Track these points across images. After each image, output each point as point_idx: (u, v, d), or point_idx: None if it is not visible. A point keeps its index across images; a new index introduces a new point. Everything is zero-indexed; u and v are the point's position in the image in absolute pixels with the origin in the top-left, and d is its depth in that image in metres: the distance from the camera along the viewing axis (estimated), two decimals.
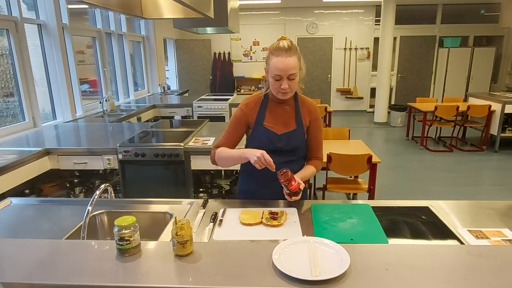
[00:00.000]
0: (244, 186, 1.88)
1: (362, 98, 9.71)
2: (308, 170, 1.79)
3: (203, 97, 5.94)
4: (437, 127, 6.57)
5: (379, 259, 1.12)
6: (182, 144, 2.85)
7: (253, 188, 1.81)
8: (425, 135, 6.10)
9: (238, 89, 9.47)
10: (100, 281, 1.03)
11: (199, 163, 2.86)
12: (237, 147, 1.79)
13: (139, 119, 4.58)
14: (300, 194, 1.58)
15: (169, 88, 7.28)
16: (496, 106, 5.65)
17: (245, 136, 1.82)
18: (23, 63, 3.39)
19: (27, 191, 2.68)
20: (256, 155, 1.51)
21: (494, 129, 5.73)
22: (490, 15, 8.88)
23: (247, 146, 1.79)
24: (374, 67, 9.01)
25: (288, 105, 1.76)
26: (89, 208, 1.35)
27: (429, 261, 1.10)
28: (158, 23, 6.96)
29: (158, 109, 5.27)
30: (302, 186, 1.58)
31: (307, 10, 9.22)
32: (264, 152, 1.54)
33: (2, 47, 3.28)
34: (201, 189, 3.24)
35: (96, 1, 2.44)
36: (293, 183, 1.54)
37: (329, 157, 2.98)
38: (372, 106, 9.22)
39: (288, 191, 1.55)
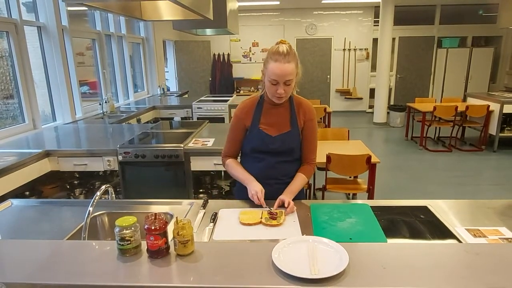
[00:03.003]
0: (239, 184, 1.87)
1: (361, 98, 9.73)
2: (298, 182, 1.77)
3: (202, 98, 5.95)
4: (436, 127, 6.58)
5: (378, 257, 1.13)
6: (182, 145, 2.86)
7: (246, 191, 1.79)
8: (424, 135, 6.11)
9: (238, 90, 9.48)
10: (101, 281, 1.04)
11: (199, 164, 2.88)
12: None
13: (138, 121, 4.59)
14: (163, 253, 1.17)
15: (168, 90, 7.29)
16: (494, 106, 5.67)
17: None
18: (23, 65, 3.40)
19: (28, 193, 2.68)
20: (252, 192, 1.64)
21: (493, 129, 5.74)
22: (488, 15, 8.91)
23: (243, 147, 1.83)
24: (373, 68, 9.02)
25: (283, 106, 1.77)
26: (90, 209, 1.36)
27: (427, 260, 1.11)
28: (158, 24, 6.97)
29: (157, 111, 5.28)
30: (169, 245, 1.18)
31: (306, 11, 9.24)
32: (259, 191, 1.64)
33: (2, 49, 3.29)
34: (201, 190, 3.25)
35: (96, 3, 2.45)
36: (150, 238, 1.13)
37: (329, 157, 2.99)
38: (371, 106, 9.24)
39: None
